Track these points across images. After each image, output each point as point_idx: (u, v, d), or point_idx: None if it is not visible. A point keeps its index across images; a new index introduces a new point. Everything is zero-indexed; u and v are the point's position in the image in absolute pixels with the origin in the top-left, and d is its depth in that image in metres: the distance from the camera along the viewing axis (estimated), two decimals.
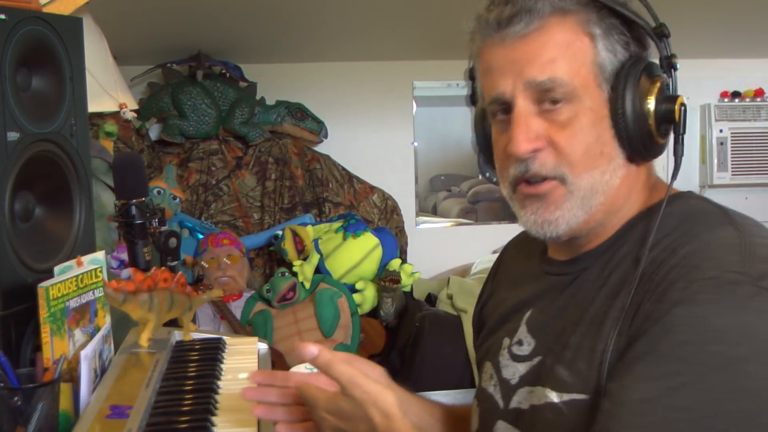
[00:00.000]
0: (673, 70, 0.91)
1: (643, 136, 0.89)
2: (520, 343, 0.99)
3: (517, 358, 0.99)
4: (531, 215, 0.92)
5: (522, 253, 1.12)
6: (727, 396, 0.75)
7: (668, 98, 0.90)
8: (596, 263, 0.94)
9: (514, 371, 0.98)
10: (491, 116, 0.96)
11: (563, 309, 0.95)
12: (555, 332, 0.94)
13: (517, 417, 0.95)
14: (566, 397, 0.88)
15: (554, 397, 0.89)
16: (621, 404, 0.78)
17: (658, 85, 0.90)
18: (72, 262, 1.09)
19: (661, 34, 0.90)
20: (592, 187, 0.90)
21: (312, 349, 0.87)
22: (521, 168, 0.91)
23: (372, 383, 0.87)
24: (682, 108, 0.89)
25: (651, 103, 0.89)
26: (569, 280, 0.96)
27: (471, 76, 1.02)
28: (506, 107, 0.91)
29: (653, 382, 0.77)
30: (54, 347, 0.97)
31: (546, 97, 0.88)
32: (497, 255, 1.20)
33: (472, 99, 1.05)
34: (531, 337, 0.98)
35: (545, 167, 0.90)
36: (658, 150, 0.92)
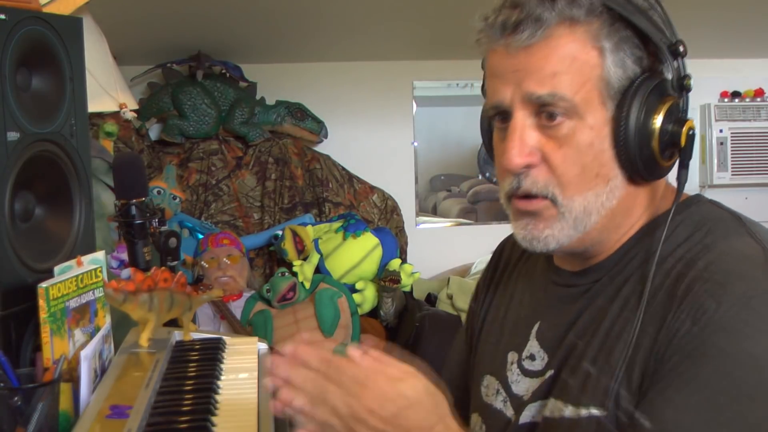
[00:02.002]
0: (685, 92, 0.86)
1: (644, 158, 0.85)
2: (532, 357, 0.97)
3: (529, 374, 0.97)
4: (521, 230, 0.90)
5: (522, 254, 1.10)
6: (763, 423, 0.75)
7: (677, 121, 0.86)
8: (607, 275, 0.92)
9: (527, 387, 0.96)
10: (493, 120, 0.93)
11: (575, 322, 0.93)
12: (568, 345, 0.92)
13: (530, 430, 0.93)
14: (583, 411, 0.86)
15: (570, 411, 0.87)
16: (654, 422, 0.77)
17: (666, 105, 0.85)
18: (72, 262, 1.09)
19: (676, 52, 0.85)
20: (584, 209, 0.87)
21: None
22: (514, 183, 0.88)
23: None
24: (690, 132, 0.85)
25: (656, 124, 0.85)
26: (580, 291, 0.94)
27: (483, 66, 0.97)
28: (505, 115, 0.89)
29: (694, 414, 0.76)
30: (54, 347, 0.97)
31: (545, 110, 0.85)
32: (493, 252, 1.18)
33: (485, 90, 0.99)
34: (544, 352, 0.95)
35: (536, 185, 0.87)
36: (661, 172, 0.88)
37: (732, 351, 0.76)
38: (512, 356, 1.00)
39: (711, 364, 0.77)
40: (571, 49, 0.84)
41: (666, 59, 0.86)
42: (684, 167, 0.87)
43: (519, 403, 0.96)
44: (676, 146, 0.86)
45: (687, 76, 0.85)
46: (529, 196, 0.88)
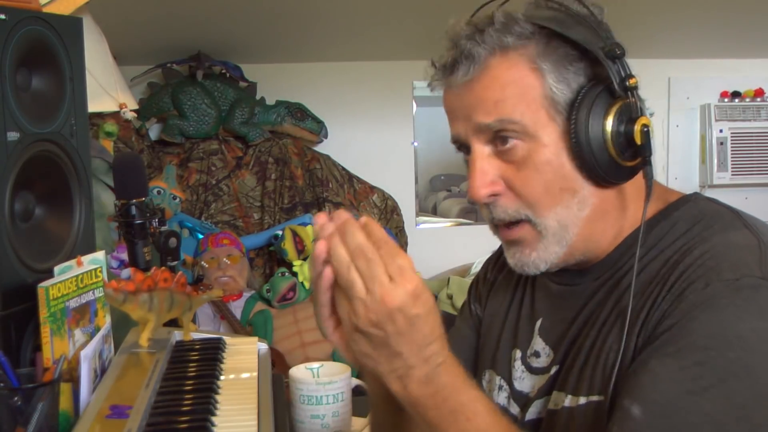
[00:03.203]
0: (630, 92, 0.86)
1: (604, 163, 0.86)
2: (537, 354, 0.98)
3: (535, 371, 0.98)
4: (511, 259, 0.93)
5: None
6: (748, 402, 0.75)
7: (628, 120, 0.86)
8: (607, 273, 0.93)
9: (532, 384, 0.97)
10: (460, 152, 0.96)
11: (576, 317, 0.94)
12: (569, 340, 0.94)
13: (536, 426, 0.94)
14: (583, 400, 0.87)
15: (570, 400, 0.89)
16: (642, 403, 0.78)
17: (614, 108, 0.86)
18: (72, 262, 1.09)
19: (612, 55, 0.85)
20: (559, 223, 0.88)
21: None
22: (488, 213, 0.91)
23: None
24: (644, 129, 0.86)
25: (607, 128, 0.86)
26: (583, 289, 0.95)
27: None
28: (466, 149, 0.92)
29: (675, 384, 0.77)
30: (54, 347, 0.97)
31: (498, 136, 0.88)
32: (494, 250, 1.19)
33: None
34: (549, 348, 0.97)
35: (507, 212, 0.90)
36: (626, 173, 0.89)
37: (718, 329, 0.77)
38: (516, 353, 1.01)
39: (693, 337, 0.77)
40: (508, 75, 0.87)
41: (616, 60, 0.86)
42: (646, 164, 0.87)
43: (525, 401, 0.97)
44: (631, 145, 0.87)
45: (629, 76, 0.86)
46: (508, 225, 0.91)
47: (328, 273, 0.76)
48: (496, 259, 1.15)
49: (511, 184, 0.89)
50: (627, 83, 0.85)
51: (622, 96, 0.86)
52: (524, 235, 0.90)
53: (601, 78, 0.87)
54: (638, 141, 0.86)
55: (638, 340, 0.83)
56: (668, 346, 0.79)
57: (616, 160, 0.87)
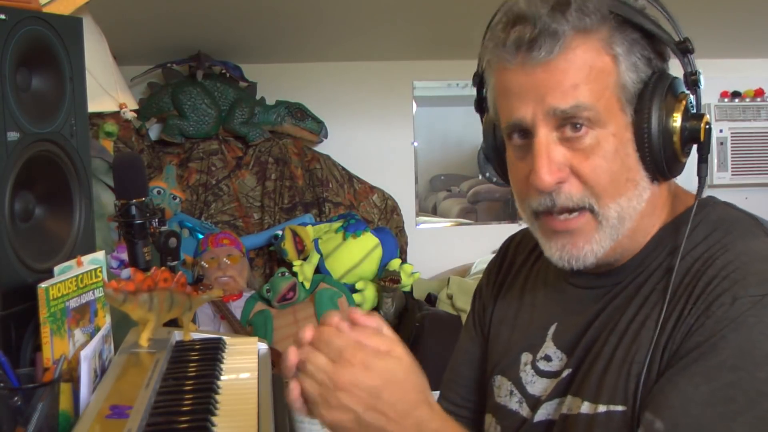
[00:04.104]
0: (697, 87, 0.87)
1: (668, 157, 0.86)
2: (547, 358, 0.97)
3: (545, 374, 0.97)
4: (557, 251, 0.90)
5: (530, 255, 1.09)
6: None
7: (693, 117, 0.86)
8: (629, 277, 0.92)
9: (544, 387, 0.96)
10: (507, 137, 0.92)
11: (592, 322, 0.93)
12: (585, 344, 0.92)
13: (546, 428, 0.93)
14: (602, 408, 0.86)
15: (588, 407, 0.88)
16: (669, 422, 0.77)
17: (683, 103, 0.86)
18: (72, 262, 1.09)
19: (685, 49, 0.85)
20: (619, 215, 0.87)
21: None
22: (546, 201, 0.87)
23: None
24: (707, 127, 0.86)
25: (677, 123, 0.86)
26: (602, 293, 0.94)
27: (479, 82, 0.97)
28: (525, 133, 0.88)
29: (706, 408, 0.76)
30: (54, 347, 0.97)
31: (568, 123, 0.85)
32: (497, 252, 1.17)
33: (480, 106, 1.00)
34: (561, 353, 0.96)
35: (572, 199, 0.86)
36: (680, 169, 0.89)
37: (747, 348, 0.77)
38: (526, 357, 1.00)
39: (723, 357, 0.77)
40: (587, 59, 0.84)
41: (668, 58, 0.87)
42: (704, 161, 0.87)
43: (535, 403, 0.97)
44: (695, 141, 0.87)
45: (697, 72, 0.86)
46: (567, 211, 0.87)
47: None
48: (500, 264, 1.14)
49: (579, 172, 0.86)
50: (694, 78, 0.86)
51: (687, 91, 0.87)
52: (583, 224, 0.88)
53: (663, 70, 0.87)
54: (702, 138, 0.86)
55: (664, 352, 0.82)
56: (698, 365, 0.78)
57: (678, 156, 0.87)
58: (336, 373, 0.76)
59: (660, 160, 0.86)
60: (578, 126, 0.84)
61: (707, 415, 0.76)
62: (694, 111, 0.87)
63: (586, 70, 0.84)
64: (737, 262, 0.82)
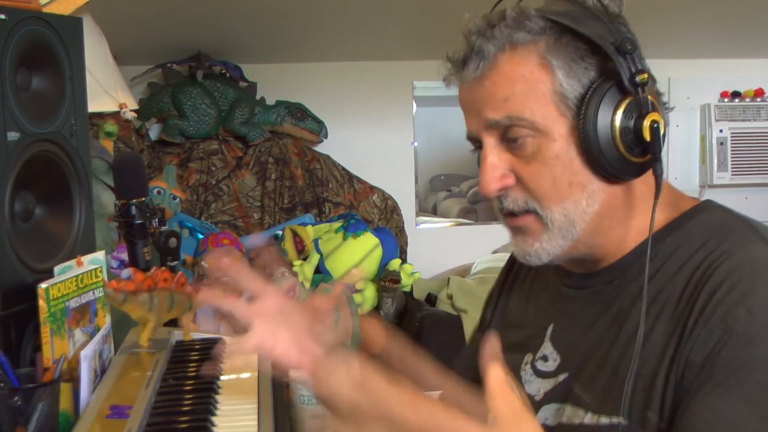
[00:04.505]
0: (641, 87, 0.85)
1: (612, 158, 0.86)
2: (544, 358, 0.98)
3: (541, 374, 0.97)
4: (514, 246, 0.94)
5: None
6: None
7: (637, 117, 0.86)
8: (621, 277, 0.92)
9: (538, 387, 0.97)
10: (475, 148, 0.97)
11: (591, 326, 0.93)
12: (584, 349, 0.92)
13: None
14: (604, 420, 0.86)
15: (590, 418, 0.87)
16: None
17: (623, 104, 0.86)
18: (72, 262, 1.09)
19: (621, 49, 0.85)
20: (566, 217, 0.89)
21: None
22: (497, 203, 0.92)
23: None
24: (654, 125, 0.85)
25: (616, 124, 0.86)
26: (592, 294, 0.95)
27: None
28: (479, 144, 0.93)
29: (741, 425, 0.76)
30: (54, 347, 0.97)
31: (508, 132, 0.88)
32: (496, 255, 1.19)
33: None
34: (557, 353, 0.96)
35: (516, 204, 0.90)
36: (635, 169, 0.88)
37: None
38: (527, 357, 1.01)
39: (755, 375, 0.77)
40: (517, 71, 0.87)
41: (628, 55, 0.86)
42: (656, 160, 0.87)
43: (531, 404, 0.97)
44: (641, 141, 0.86)
45: (639, 71, 0.85)
46: (512, 214, 0.92)
47: None
48: (508, 270, 1.16)
49: (521, 177, 0.89)
50: (636, 79, 0.85)
51: (632, 92, 0.86)
52: (528, 224, 0.91)
53: (612, 73, 0.87)
54: (647, 137, 0.85)
55: (672, 365, 0.82)
56: (734, 388, 0.77)
57: (625, 156, 0.87)
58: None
59: (604, 162, 0.86)
60: (516, 137, 0.88)
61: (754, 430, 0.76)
62: (643, 111, 0.86)
63: (518, 83, 0.87)
64: (740, 271, 0.81)
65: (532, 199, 0.89)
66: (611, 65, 0.86)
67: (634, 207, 0.92)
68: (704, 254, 0.86)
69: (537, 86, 0.87)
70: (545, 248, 0.91)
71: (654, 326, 0.85)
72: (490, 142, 0.90)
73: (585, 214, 0.89)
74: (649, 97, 0.86)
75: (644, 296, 0.84)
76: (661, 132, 0.86)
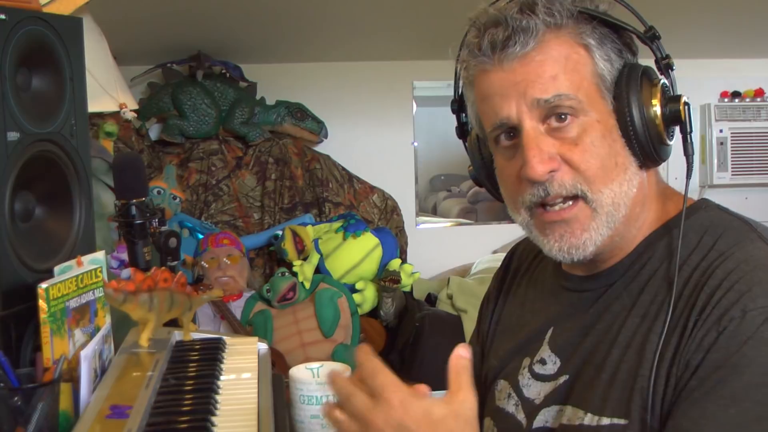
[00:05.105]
0: (670, 71, 0.90)
1: (653, 140, 0.88)
2: (543, 362, 0.97)
3: (540, 378, 0.97)
4: (555, 243, 0.90)
5: (532, 261, 1.10)
6: None
7: (671, 99, 0.89)
8: (620, 279, 0.92)
9: (538, 391, 0.97)
10: (493, 143, 0.94)
11: (591, 327, 0.93)
12: (584, 351, 0.92)
13: None
14: (605, 420, 0.86)
15: (591, 419, 0.87)
16: None
17: (659, 87, 0.89)
18: (72, 262, 1.08)
19: (653, 36, 0.89)
20: (613, 201, 0.88)
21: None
22: (539, 192, 0.89)
23: None
24: (687, 107, 0.89)
25: (657, 107, 0.88)
26: (593, 296, 0.94)
27: (458, 107, 1.02)
28: (511, 132, 0.90)
29: (739, 429, 0.76)
30: (54, 347, 0.97)
31: (553, 113, 0.87)
32: (496, 255, 1.19)
33: (462, 131, 1.04)
34: (555, 356, 0.96)
35: (564, 187, 0.88)
36: (667, 152, 0.91)
37: (764, 362, 0.76)
38: (525, 361, 1.01)
39: (746, 376, 0.77)
40: (561, 51, 0.87)
41: (637, 51, 0.91)
42: (688, 141, 0.89)
43: (531, 407, 0.97)
44: (677, 122, 0.89)
45: (668, 56, 0.90)
46: (561, 200, 0.89)
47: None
48: (503, 273, 1.15)
49: (569, 160, 0.88)
50: (666, 62, 0.89)
51: (664, 75, 0.90)
52: (578, 213, 0.89)
53: (633, 60, 0.91)
54: (683, 116, 0.88)
55: (671, 367, 0.82)
56: (723, 387, 0.77)
57: (663, 138, 0.89)
58: (372, 411, 0.74)
59: (645, 143, 0.88)
60: (563, 116, 0.87)
61: None
62: (671, 94, 0.90)
63: (563, 61, 0.87)
64: (739, 272, 0.81)
65: (582, 181, 0.88)
66: (633, 53, 0.91)
67: (649, 198, 0.93)
68: (701, 254, 0.86)
69: (580, 67, 0.88)
70: (593, 237, 0.89)
71: (652, 327, 0.85)
72: (532, 124, 0.88)
73: (627, 197, 0.89)
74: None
75: (674, 285, 0.85)
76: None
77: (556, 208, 0.89)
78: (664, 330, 0.83)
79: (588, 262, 0.94)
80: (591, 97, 0.88)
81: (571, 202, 0.89)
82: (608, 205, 0.88)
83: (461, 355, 0.79)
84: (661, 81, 0.90)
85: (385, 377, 0.75)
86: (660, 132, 0.88)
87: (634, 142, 0.88)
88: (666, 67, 0.90)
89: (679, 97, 0.89)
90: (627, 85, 0.88)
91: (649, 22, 0.90)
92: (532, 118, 0.88)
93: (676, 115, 0.89)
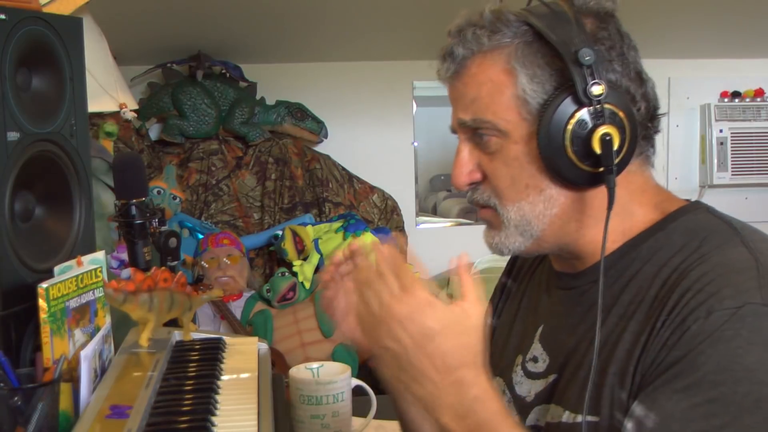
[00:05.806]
0: (595, 99, 0.84)
1: (565, 167, 0.87)
2: (534, 359, 0.99)
3: (531, 375, 0.98)
4: (483, 237, 0.98)
5: (534, 261, 1.12)
6: None
7: (590, 129, 0.86)
8: (604, 277, 0.91)
9: (529, 389, 0.98)
10: None
11: (576, 326, 0.94)
12: (568, 349, 0.93)
13: None
14: (580, 418, 0.87)
15: (568, 416, 0.89)
16: None
17: (576, 116, 0.85)
18: (72, 262, 1.08)
19: (577, 61, 0.84)
20: (522, 217, 0.91)
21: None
22: (468, 195, 0.97)
23: None
24: (605, 138, 0.85)
25: (567, 134, 0.86)
26: (578, 293, 0.96)
27: None
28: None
29: (688, 424, 0.76)
30: (54, 347, 0.97)
31: (476, 132, 0.92)
32: (496, 255, 1.20)
33: None
34: (546, 354, 0.97)
35: (481, 198, 0.94)
36: (589, 178, 0.88)
37: (725, 363, 0.76)
38: (518, 359, 1.02)
39: (700, 372, 0.76)
40: (485, 75, 0.90)
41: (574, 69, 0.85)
42: (609, 172, 0.86)
43: (522, 405, 0.98)
44: (591, 152, 0.86)
45: (595, 83, 0.84)
46: (478, 206, 0.96)
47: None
48: (507, 273, 1.17)
49: (486, 174, 0.93)
50: (591, 90, 0.84)
51: (586, 102, 0.85)
52: (489, 218, 0.95)
53: (572, 83, 0.86)
54: (597, 149, 0.85)
55: (638, 365, 0.82)
56: (677, 381, 0.78)
57: (578, 165, 0.87)
58: (399, 302, 0.77)
59: (558, 169, 0.88)
60: (482, 135, 0.91)
61: (688, 430, 0.75)
62: (599, 122, 0.85)
63: (484, 86, 0.90)
64: (712, 274, 0.81)
65: (494, 195, 0.93)
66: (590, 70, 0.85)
67: (593, 211, 0.92)
68: (682, 257, 0.86)
69: (501, 90, 0.89)
70: (504, 242, 0.94)
71: (627, 326, 0.86)
72: (464, 138, 0.94)
73: (543, 216, 0.91)
74: (612, 107, 0.85)
75: (599, 303, 0.85)
76: (617, 146, 0.85)
77: (479, 209, 0.97)
78: (638, 330, 0.84)
79: (570, 260, 0.96)
80: (509, 121, 0.89)
81: (486, 208, 0.95)
82: (515, 219, 0.92)
83: (462, 258, 0.84)
84: (584, 108, 0.85)
85: (413, 275, 0.80)
86: (571, 160, 0.86)
87: (548, 167, 0.88)
88: (587, 95, 0.84)
89: (597, 126, 0.85)
90: (546, 110, 0.86)
91: (583, 44, 0.84)
92: (463, 132, 0.94)
93: (588, 147, 0.86)
